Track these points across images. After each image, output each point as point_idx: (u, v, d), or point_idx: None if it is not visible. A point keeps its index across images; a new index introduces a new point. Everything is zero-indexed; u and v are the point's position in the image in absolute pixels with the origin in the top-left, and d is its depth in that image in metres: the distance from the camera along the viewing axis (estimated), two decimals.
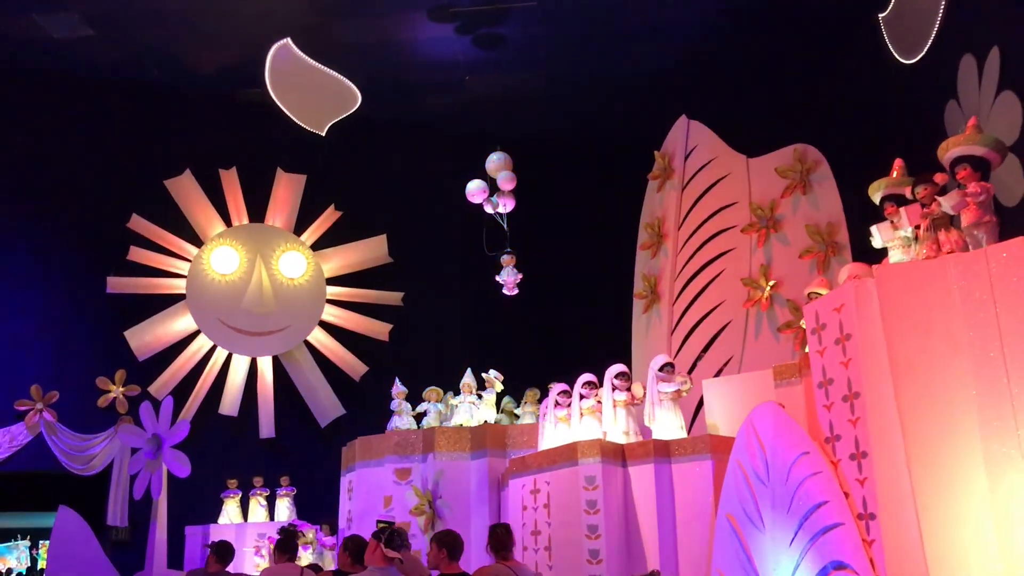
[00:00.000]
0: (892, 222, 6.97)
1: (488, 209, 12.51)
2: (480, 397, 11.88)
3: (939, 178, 6.67)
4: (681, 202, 12.85)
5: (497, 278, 12.67)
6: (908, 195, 6.95)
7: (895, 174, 7.28)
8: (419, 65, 14.69)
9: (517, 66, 14.73)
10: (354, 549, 6.01)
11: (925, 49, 10.70)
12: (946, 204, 6.33)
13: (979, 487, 5.71)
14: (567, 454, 9.12)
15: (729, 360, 11.72)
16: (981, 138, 6.43)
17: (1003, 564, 5.54)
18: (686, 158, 12.96)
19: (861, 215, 9.68)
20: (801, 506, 6.85)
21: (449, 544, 5.69)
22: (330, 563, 12.21)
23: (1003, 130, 8.38)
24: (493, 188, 12.47)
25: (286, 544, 7.25)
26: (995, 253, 5.86)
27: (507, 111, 15.55)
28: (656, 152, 13.38)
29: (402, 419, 12.30)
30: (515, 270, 12.58)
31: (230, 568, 8.00)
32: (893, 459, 6.11)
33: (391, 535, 5.17)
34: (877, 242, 7.17)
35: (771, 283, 11.37)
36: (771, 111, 12.42)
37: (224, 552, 7.66)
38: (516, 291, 12.77)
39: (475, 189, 12.35)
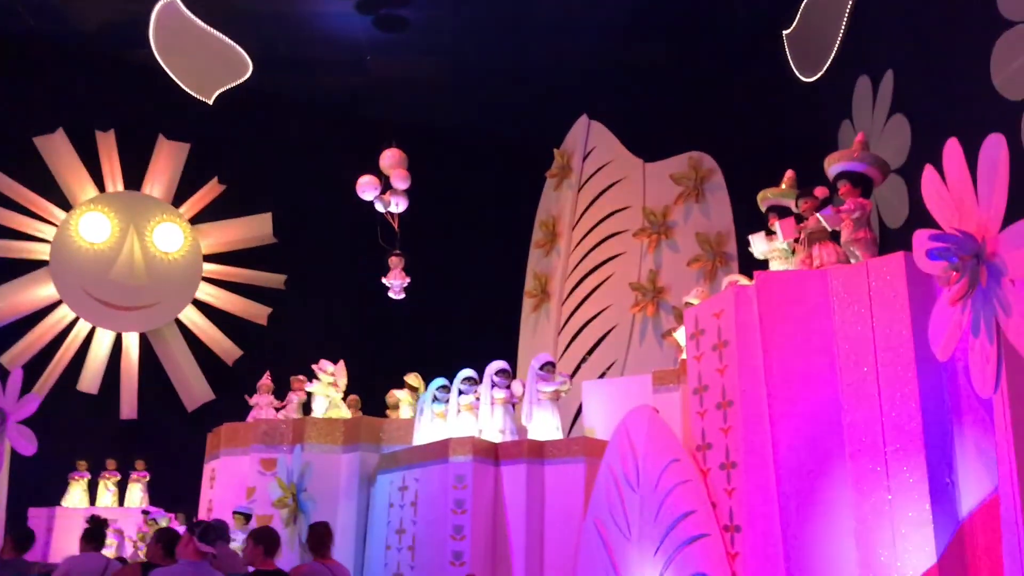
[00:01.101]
0: (770, 232, 6.90)
1: (379, 207, 12.03)
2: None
3: (819, 192, 6.61)
4: (577, 202, 12.74)
5: (384, 280, 12.22)
6: (794, 207, 6.88)
7: (784, 185, 7.21)
8: (318, 40, 14.09)
9: (420, 51, 14.29)
10: (166, 541, 5.65)
11: (824, 68, 10.82)
12: (822, 219, 6.27)
13: (844, 504, 5.61)
14: (439, 451, 8.78)
15: (612, 364, 11.63)
16: (863, 155, 6.38)
17: None
18: (584, 158, 12.84)
19: (751, 227, 9.68)
20: (668, 515, 6.68)
21: (265, 541, 5.46)
22: None
23: (892, 152, 8.46)
24: (386, 185, 12.03)
25: (92, 534, 6.77)
26: (876, 266, 5.78)
27: (407, 97, 15.12)
28: (556, 150, 13.22)
29: (261, 412, 11.79)
30: (403, 273, 12.12)
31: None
32: (762, 471, 5.96)
33: (206, 529, 4.88)
34: (756, 251, 7.09)
35: (659, 289, 11.33)
36: (672, 117, 12.40)
37: (23, 539, 7.01)
38: (403, 295, 12.33)
39: (366, 185, 11.84)
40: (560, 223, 12.88)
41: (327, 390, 11.19)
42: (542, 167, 13.43)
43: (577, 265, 12.45)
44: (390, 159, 11.76)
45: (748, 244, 7.27)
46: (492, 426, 9.27)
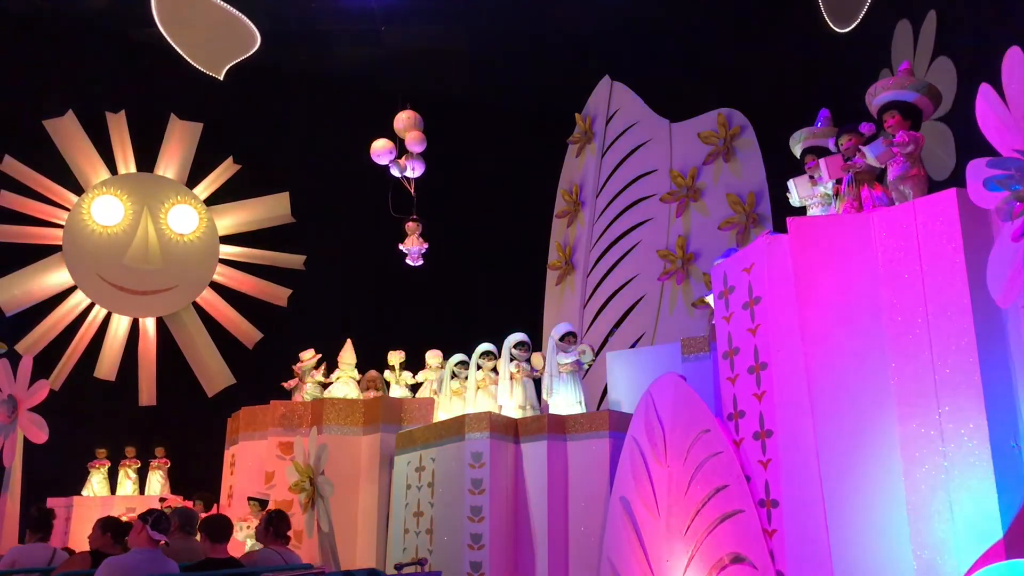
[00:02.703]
0: (811, 176, 6.26)
1: (395, 172, 11.56)
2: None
3: (865, 128, 5.96)
4: (600, 168, 12.15)
5: (401, 247, 11.75)
6: (832, 148, 6.25)
7: (819, 124, 6.58)
8: (331, 12, 13.61)
9: (435, 19, 13.75)
10: (114, 530, 5.66)
11: (860, 17, 10.13)
12: (870, 155, 5.62)
13: (894, 472, 5.02)
14: (455, 428, 8.29)
15: (641, 336, 11.06)
16: (913, 83, 5.73)
17: (917, 558, 4.85)
18: (608, 121, 12.24)
19: (785, 186, 9.07)
20: (699, 490, 6.14)
21: (211, 528, 5.39)
22: None
23: None
24: (401, 149, 11.55)
25: (39, 522, 6.46)
26: (925, 207, 5.15)
27: (424, 67, 14.58)
28: (577, 114, 12.62)
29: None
30: (420, 239, 11.64)
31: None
32: (800, 439, 5.40)
33: (159, 517, 4.95)
34: (794, 199, 6.46)
35: (688, 255, 10.72)
36: (698, 74, 11.75)
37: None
38: (421, 262, 11.86)
39: (381, 149, 11.37)
40: (583, 191, 12.30)
41: (312, 379, 10.87)
42: (563, 134, 12.84)
43: (602, 234, 11.86)
44: (405, 122, 11.27)
45: (786, 192, 6.64)
46: (512, 402, 8.77)
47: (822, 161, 6.01)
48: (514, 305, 12.91)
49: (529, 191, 14.25)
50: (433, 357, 11.00)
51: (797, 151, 6.69)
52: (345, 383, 10.42)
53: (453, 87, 14.94)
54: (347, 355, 10.57)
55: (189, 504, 11.65)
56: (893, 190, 5.55)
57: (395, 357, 10.96)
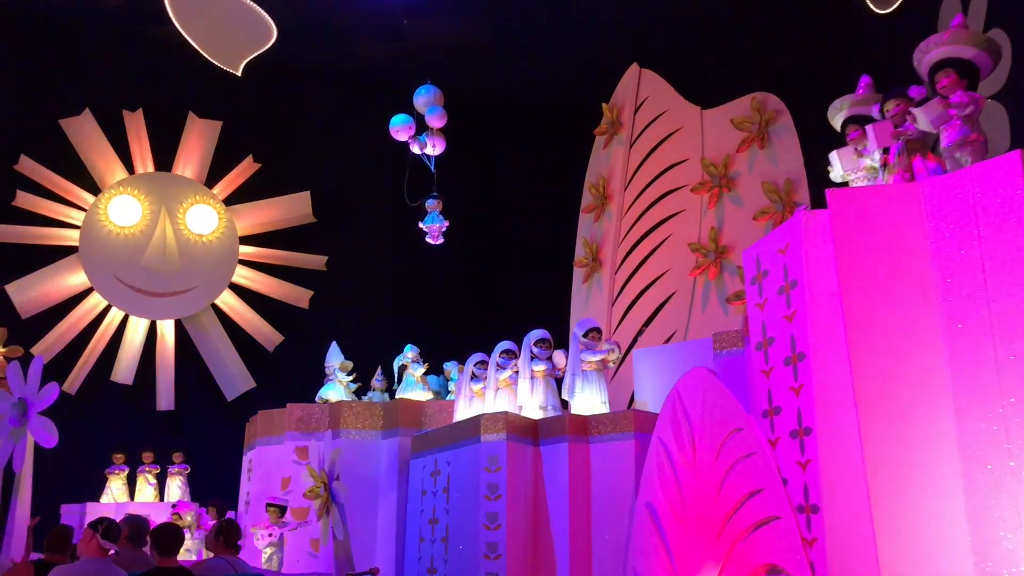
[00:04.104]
0: (856, 148, 5.68)
1: (415, 149, 11.15)
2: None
3: (914, 92, 5.38)
4: (629, 159, 11.63)
5: (421, 224, 11.29)
6: (876, 116, 5.66)
7: (861, 92, 6.00)
8: (351, 6, 13.25)
9: (457, 11, 13.33)
10: (58, 539, 5.76)
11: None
12: (923, 118, 5.03)
13: (951, 473, 4.43)
14: (470, 429, 7.80)
15: (672, 335, 10.51)
16: (970, 37, 5.14)
17: (980, 571, 4.25)
18: (636, 111, 11.72)
19: (824, 171, 8.49)
20: (731, 495, 5.58)
21: (160, 539, 5.21)
22: None
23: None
24: (421, 127, 11.10)
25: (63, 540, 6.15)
26: (983, 173, 4.57)
27: (447, 61, 14.13)
28: (604, 104, 12.09)
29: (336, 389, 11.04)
30: (441, 216, 11.18)
31: None
32: (843, 437, 4.82)
33: (109, 527, 4.86)
34: (836, 173, 5.88)
35: (722, 249, 10.15)
36: (730, 58, 11.15)
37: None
38: (441, 240, 11.40)
39: (400, 125, 10.96)
40: (611, 184, 11.77)
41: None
42: (590, 126, 12.32)
43: (631, 229, 11.31)
44: (425, 97, 10.83)
45: (827, 168, 6.06)
46: (532, 402, 8.25)
47: (869, 128, 5.42)
48: (539, 305, 12.42)
49: (554, 186, 13.81)
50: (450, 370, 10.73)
51: (837, 122, 6.11)
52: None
53: (476, 81, 14.50)
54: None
55: (202, 511, 11.33)
56: (948, 158, 4.95)
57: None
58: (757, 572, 5.19)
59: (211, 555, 6.01)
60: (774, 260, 5.44)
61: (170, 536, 5.18)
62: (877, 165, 5.48)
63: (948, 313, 4.54)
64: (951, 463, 4.48)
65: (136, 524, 5.87)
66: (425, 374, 11.06)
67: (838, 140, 6.40)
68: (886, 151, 5.35)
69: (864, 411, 4.75)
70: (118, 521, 5.13)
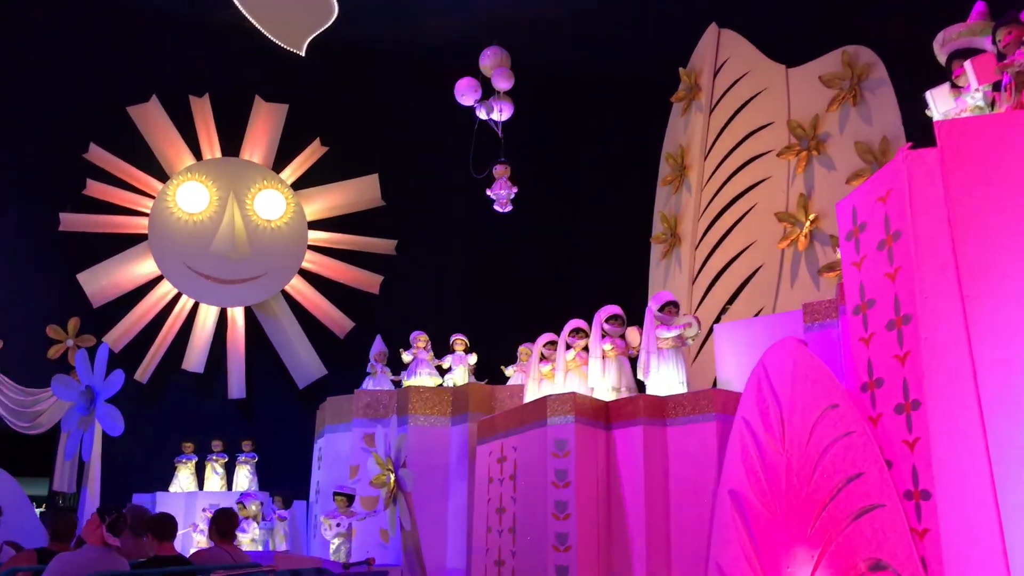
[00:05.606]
0: (953, 85, 4.92)
1: (481, 114, 10.62)
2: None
3: None
4: (708, 126, 10.89)
5: (488, 192, 10.79)
6: (989, 47, 4.89)
7: (972, 20, 5.22)
8: None
9: None
10: (63, 527, 5.65)
11: None
12: None
13: None
14: (536, 412, 7.25)
15: (760, 312, 9.75)
16: None
17: None
18: (715, 74, 10.96)
19: (924, 126, 7.65)
20: (826, 480, 4.91)
21: (156, 527, 5.28)
22: (282, 539, 10.66)
23: None
24: (487, 91, 10.58)
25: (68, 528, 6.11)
26: None
27: (514, 33, 13.58)
28: (681, 69, 11.36)
29: (376, 380, 10.72)
30: (509, 183, 10.65)
31: None
32: (959, 411, 4.11)
33: (116, 519, 4.80)
34: (935, 114, 5.11)
35: (811, 217, 9.34)
36: (817, 9, 10.34)
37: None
38: (510, 207, 10.87)
39: (466, 88, 10.42)
40: (689, 153, 11.04)
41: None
42: (667, 94, 11.62)
43: (712, 200, 10.57)
44: (491, 58, 10.32)
45: (925, 110, 5.31)
46: (604, 383, 7.66)
47: (968, 64, 4.67)
48: (615, 284, 11.79)
49: (630, 159, 13.20)
50: (524, 351, 10.21)
51: (943, 57, 5.34)
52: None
53: (545, 53, 13.96)
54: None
55: (264, 500, 11.11)
56: None
57: (525, 353, 10.17)
58: (858, 567, 4.51)
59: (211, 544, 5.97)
60: (873, 210, 4.73)
61: (166, 524, 5.25)
62: (983, 104, 4.72)
63: None
64: None
65: (138, 514, 5.94)
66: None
67: (943, 76, 5.64)
68: (995, 87, 4.59)
69: (984, 380, 4.03)
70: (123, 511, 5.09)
